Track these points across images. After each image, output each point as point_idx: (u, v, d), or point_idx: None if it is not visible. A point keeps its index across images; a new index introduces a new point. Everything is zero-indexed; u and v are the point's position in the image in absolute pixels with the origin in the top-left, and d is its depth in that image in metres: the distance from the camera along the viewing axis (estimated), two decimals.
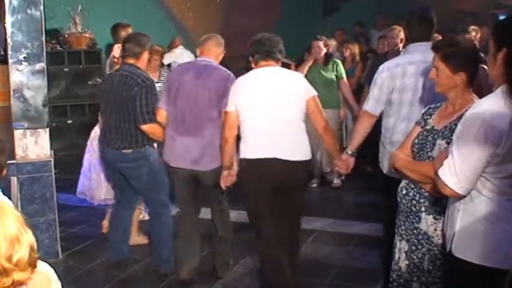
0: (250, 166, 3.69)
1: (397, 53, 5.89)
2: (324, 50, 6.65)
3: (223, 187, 4.00)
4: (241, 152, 3.74)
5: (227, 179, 3.97)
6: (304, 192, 3.93)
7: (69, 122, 8.82)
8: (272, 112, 3.65)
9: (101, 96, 4.46)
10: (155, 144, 4.36)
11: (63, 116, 8.78)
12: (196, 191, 4.29)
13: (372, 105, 3.71)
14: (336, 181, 6.83)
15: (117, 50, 4.99)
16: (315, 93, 3.75)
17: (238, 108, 3.71)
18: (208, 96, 4.02)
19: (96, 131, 5.00)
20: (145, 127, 4.20)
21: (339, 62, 6.84)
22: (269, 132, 3.65)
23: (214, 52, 4.23)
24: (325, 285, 4.29)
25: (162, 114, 4.20)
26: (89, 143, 5.13)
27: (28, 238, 1.69)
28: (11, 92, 4.67)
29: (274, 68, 3.76)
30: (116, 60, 5.02)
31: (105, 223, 5.22)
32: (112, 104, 4.31)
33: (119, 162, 4.35)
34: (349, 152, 3.82)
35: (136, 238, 5.04)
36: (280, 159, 3.62)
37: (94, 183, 5.02)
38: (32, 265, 1.70)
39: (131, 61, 4.32)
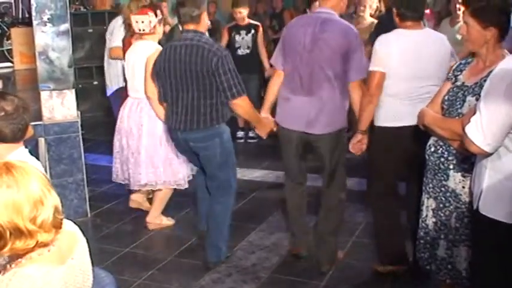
0: (385, 134, 3.56)
1: None
2: None
3: (357, 153, 3.75)
4: (377, 119, 3.58)
5: (357, 146, 3.72)
6: None
7: (95, 83, 8.86)
8: (416, 77, 3.46)
9: (159, 71, 3.89)
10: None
11: (88, 78, 8.82)
12: (304, 159, 4.00)
13: None
14: None
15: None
16: (457, 59, 3.46)
17: (386, 70, 3.50)
18: (329, 53, 3.61)
19: (130, 105, 4.61)
20: (236, 101, 3.73)
21: None
22: (409, 99, 3.47)
23: (335, 1, 3.73)
24: (351, 242, 4.32)
25: (279, 75, 3.83)
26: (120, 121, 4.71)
27: (52, 199, 1.69)
28: (36, 54, 4.68)
29: (420, 31, 3.52)
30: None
31: (134, 197, 5.02)
32: (181, 80, 3.77)
33: (191, 142, 3.90)
34: None
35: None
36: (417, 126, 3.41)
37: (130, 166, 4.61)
38: (57, 226, 1.71)
39: (191, 27, 3.81)
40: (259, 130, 4.04)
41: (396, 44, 3.49)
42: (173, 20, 7.48)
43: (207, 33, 4.11)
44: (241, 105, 3.79)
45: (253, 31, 6.83)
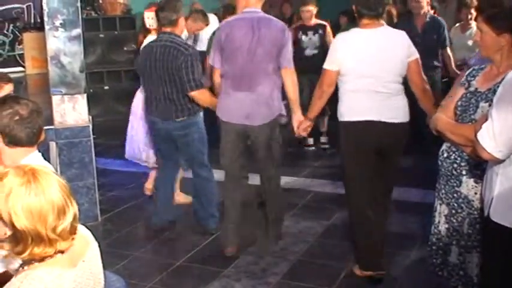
0: (350, 128, 3.63)
1: (423, 16, 6.03)
2: None
3: (302, 134, 4.08)
4: (341, 114, 3.68)
5: (305, 129, 3.99)
6: (400, 158, 3.81)
7: (106, 88, 8.91)
8: (374, 76, 3.54)
9: (141, 68, 4.43)
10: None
11: (100, 82, 8.86)
12: (246, 152, 4.19)
13: None
14: None
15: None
16: (417, 56, 3.62)
17: (341, 69, 3.59)
18: (265, 50, 3.90)
19: (139, 97, 5.09)
20: (194, 93, 4.22)
21: None
22: (370, 94, 3.56)
23: (261, 2, 4.02)
24: None
25: (219, 72, 4.08)
26: (133, 108, 5.23)
27: (73, 209, 1.70)
28: (48, 59, 4.71)
29: (377, 30, 3.59)
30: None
31: (148, 185, 5.34)
32: (158, 76, 4.27)
33: (173, 131, 4.39)
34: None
35: (177, 197, 5.11)
36: (381, 122, 3.55)
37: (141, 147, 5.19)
38: (73, 233, 1.72)
39: (168, 29, 4.30)
40: None
41: (351, 42, 3.61)
42: None
43: (183, 36, 4.54)
44: (199, 97, 4.27)
45: (320, 31, 6.69)
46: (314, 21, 6.72)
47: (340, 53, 3.59)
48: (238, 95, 4.00)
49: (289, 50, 3.98)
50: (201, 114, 4.45)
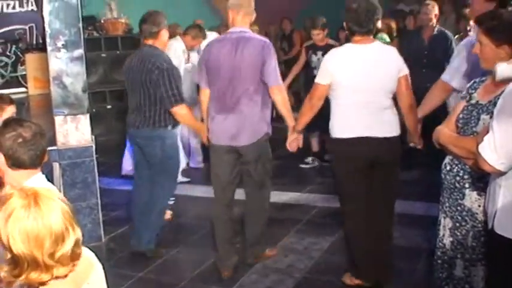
0: (343, 145, 3.64)
1: (431, 29, 6.12)
2: None
3: (292, 150, 4.08)
4: (333, 131, 3.69)
5: (294, 144, 4.05)
6: (398, 169, 3.80)
7: (109, 107, 8.93)
8: (365, 90, 3.56)
9: (124, 75, 4.58)
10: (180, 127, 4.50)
11: (102, 102, 8.89)
12: (236, 173, 4.15)
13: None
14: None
15: None
16: (406, 71, 3.64)
17: (332, 84, 3.61)
18: (246, 70, 3.88)
19: None
20: (174, 110, 4.27)
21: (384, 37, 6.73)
22: (361, 109, 3.58)
23: (248, 20, 4.02)
24: None
25: (206, 93, 4.09)
26: None
27: (74, 235, 1.69)
28: (51, 79, 4.72)
29: (368, 46, 3.61)
30: None
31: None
32: (132, 85, 4.41)
33: (137, 138, 4.49)
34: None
35: None
36: (374, 137, 3.58)
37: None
38: (75, 259, 1.71)
39: (149, 42, 4.39)
40: (201, 137, 4.54)
41: (343, 57, 3.63)
42: None
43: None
44: (179, 113, 4.32)
45: None
46: (325, 41, 6.77)
47: (331, 67, 3.61)
48: (220, 117, 4.02)
49: (272, 66, 3.91)
50: (173, 131, 4.45)
